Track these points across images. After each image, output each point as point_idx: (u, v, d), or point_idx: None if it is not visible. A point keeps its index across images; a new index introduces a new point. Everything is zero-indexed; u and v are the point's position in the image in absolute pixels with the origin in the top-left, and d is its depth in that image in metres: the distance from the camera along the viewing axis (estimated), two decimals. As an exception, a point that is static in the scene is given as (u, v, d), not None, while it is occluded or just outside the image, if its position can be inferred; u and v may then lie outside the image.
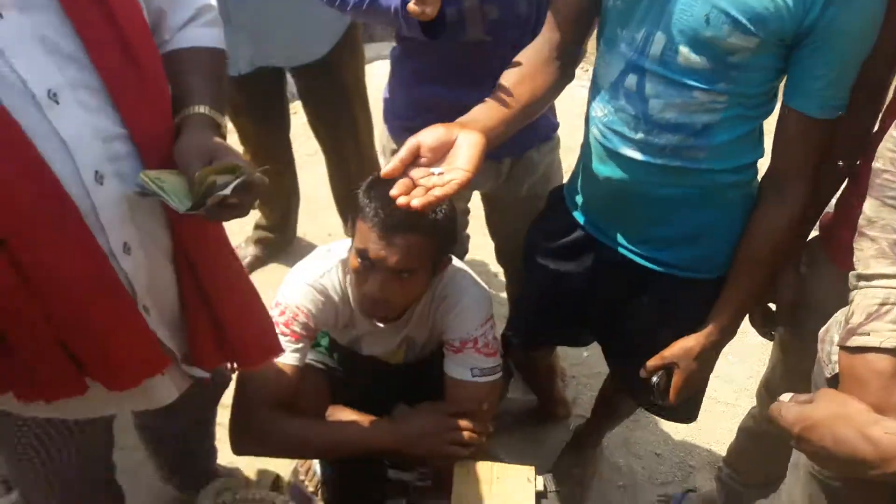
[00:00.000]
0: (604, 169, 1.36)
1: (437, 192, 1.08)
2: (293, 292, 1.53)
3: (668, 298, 1.46)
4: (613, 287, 1.51)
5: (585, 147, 1.43)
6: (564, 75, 1.37)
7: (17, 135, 0.88)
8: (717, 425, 2.31)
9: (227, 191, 0.92)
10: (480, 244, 2.32)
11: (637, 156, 1.30)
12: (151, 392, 1.15)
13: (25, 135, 0.89)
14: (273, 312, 1.52)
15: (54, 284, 0.95)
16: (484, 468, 1.61)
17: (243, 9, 1.95)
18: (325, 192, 2.69)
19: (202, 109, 1.05)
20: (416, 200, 1.06)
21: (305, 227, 2.90)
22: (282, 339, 1.49)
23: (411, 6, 1.34)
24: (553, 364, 2.10)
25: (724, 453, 1.89)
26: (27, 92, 0.89)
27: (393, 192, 1.08)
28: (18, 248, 0.91)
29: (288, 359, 1.50)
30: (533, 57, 1.34)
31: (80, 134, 0.94)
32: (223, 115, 1.08)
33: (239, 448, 1.52)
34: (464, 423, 1.54)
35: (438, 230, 1.41)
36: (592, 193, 1.45)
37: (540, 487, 1.57)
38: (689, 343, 1.40)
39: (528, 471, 1.60)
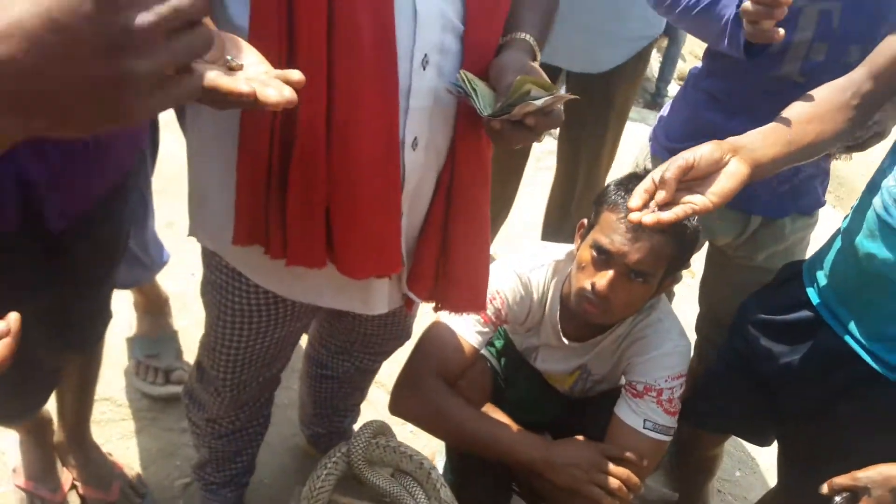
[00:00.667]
0: (870, 244, 1.28)
1: (669, 214, 1.09)
2: (499, 276, 1.56)
3: (882, 408, 1.35)
4: (825, 382, 1.41)
5: (854, 217, 1.35)
6: (854, 127, 1.27)
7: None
8: None
9: (540, 102, 0.92)
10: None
11: None
12: (370, 295, 1.20)
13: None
14: None
15: (349, 148, 0.98)
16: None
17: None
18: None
19: (528, 38, 1.07)
20: (648, 217, 1.08)
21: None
22: (472, 317, 1.54)
23: (747, 5, 1.28)
24: (717, 457, 1.98)
25: None
26: None
27: (632, 203, 1.10)
28: (339, 101, 0.94)
29: (470, 337, 1.54)
30: (832, 98, 1.26)
31: (429, 13, 0.97)
32: (541, 50, 1.11)
33: (397, 406, 1.56)
34: (618, 469, 1.46)
35: (682, 242, 1.41)
36: (842, 271, 1.38)
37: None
38: (891, 471, 1.27)
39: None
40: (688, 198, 1.12)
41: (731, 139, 1.17)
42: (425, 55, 0.99)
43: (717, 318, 1.87)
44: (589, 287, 1.42)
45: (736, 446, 2.44)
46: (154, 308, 2.15)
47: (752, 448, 2.45)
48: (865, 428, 1.37)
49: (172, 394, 2.04)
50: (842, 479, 1.31)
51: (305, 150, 0.97)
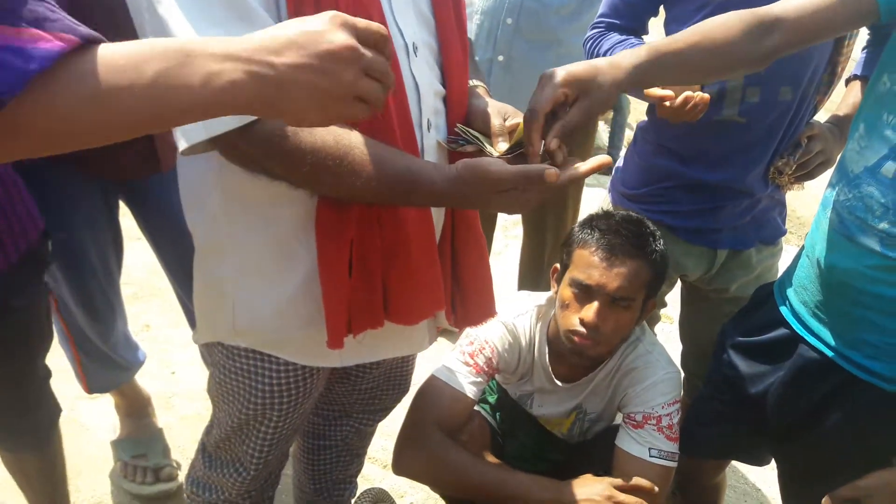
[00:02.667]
0: (831, 257, 1.32)
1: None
2: (485, 327, 1.59)
3: (869, 414, 1.36)
4: (809, 394, 1.43)
5: (814, 233, 1.39)
6: (752, 42, 1.15)
7: (398, 77, 1.05)
8: None
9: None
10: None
11: (874, 246, 1.24)
12: (414, 336, 1.28)
13: (402, 77, 1.07)
14: (462, 342, 1.60)
15: (392, 216, 1.09)
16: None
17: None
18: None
19: (480, 84, 1.25)
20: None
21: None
22: (464, 367, 1.57)
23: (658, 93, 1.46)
24: (720, 486, 1.96)
25: None
26: (402, 43, 1.08)
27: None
28: None
29: (465, 389, 1.56)
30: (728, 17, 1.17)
31: (425, 84, 1.11)
32: None
33: (401, 463, 1.55)
34: (632, 499, 1.46)
35: (657, 262, 1.48)
36: (810, 286, 1.40)
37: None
38: (890, 477, 1.29)
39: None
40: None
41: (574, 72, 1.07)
42: (428, 119, 1.13)
43: (700, 353, 1.90)
44: (577, 322, 1.46)
45: (739, 479, 2.43)
46: (136, 409, 2.12)
47: (755, 480, 2.44)
48: (855, 434, 1.37)
49: (164, 491, 1.99)
50: (845, 491, 1.32)
51: (364, 228, 1.08)
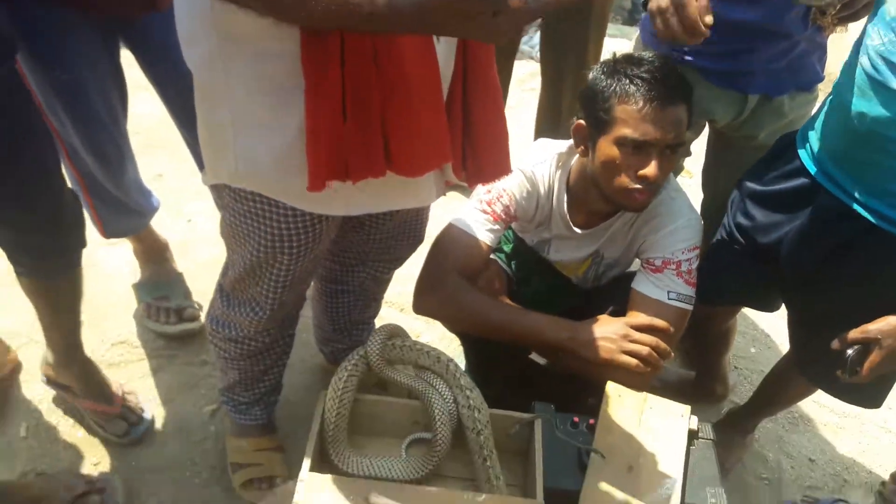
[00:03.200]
0: (861, 103, 1.28)
1: None
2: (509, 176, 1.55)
3: (886, 263, 1.36)
4: (825, 243, 1.42)
5: (843, 78, 1.35)
6: None
7: None
8: (883, 452, 2.13)
9: None
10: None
11: None
12: (420, 189, 1.25)
13: None
14: (479, 190, 1.58)
15: (388, 51, 1.02)
16: (636, 397, 1.58)
17: None
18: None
19: None
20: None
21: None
22: (482, 216, 1.56)
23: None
24: (730, 331, 2.00)
25: (886, 478, 1.74)
26: None
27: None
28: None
29: (482, 236, 1.56)
30: None
31: None
32: None
33: (420, 305, 1.58)
34: (647, 337, 1.48)
35: (688, 99, 1.43)
36: (835, 133, 1.37)
37: (693, 427, 1.52)
38: None
39: (683, 408, 1.55)
40: None
41: None
42: None
43: (722, 203, 1.87)
44: (634, 180, 1.42)
45: (749, 325, 2.47)
46: (154, 254, 2.15)
47: (766, 326, 2.48)
48: (870, 282, 1.38)
49: (188, 330, 2.06)
50: (854, 334, 1.33)
51: (357, 65, 1.01)
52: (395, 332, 1.47)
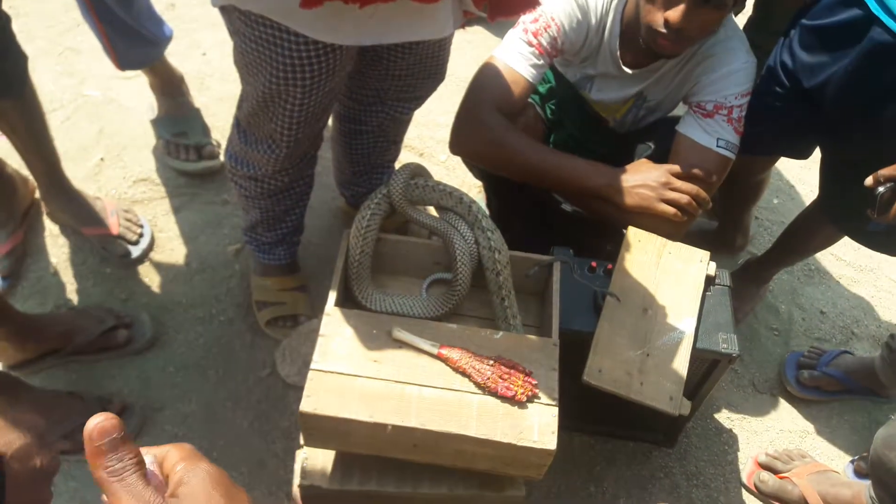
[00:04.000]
0: None
1: None
2: (556, 1, 1.46)
3: None
4: (874, 82, 1.35)
5: None
6: None
7: None
8: (894, 306, 2.16)
9: None
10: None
11: None
12: (436, 18, 1.19)
13: None
14: (525, 18, 1.49)
15: None
16: (656, 242, 1.59)
17: None
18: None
19: None
20: None
21: None
22: (527, 48, 1.48)
23: None
24: (763, 183, 1.96)
25: (895, 332, 1.77)
26: None
27: None
28: None
29: (524, 71, 1.48)
30: None
31: None
32: None
33: (459, 142, 1.53)
34: (687, 186, 1.45)
35: None
36: None
37: (711, 272, 1.54)
38: None
39: (703, 254, 1.56)
40: None
41: None
42: None
43: (768, 24, 1.79)
44: (661, 21, 1.33)
45: (774, 175, 2.44)
46: (170, 87, 2.11)
47: (791, 177, 2.45)
48: None
49: (208, 167, 2.06)
50: (887, 170, 1.29)
51: None
52: (417, 172, 1.45)
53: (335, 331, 1.22)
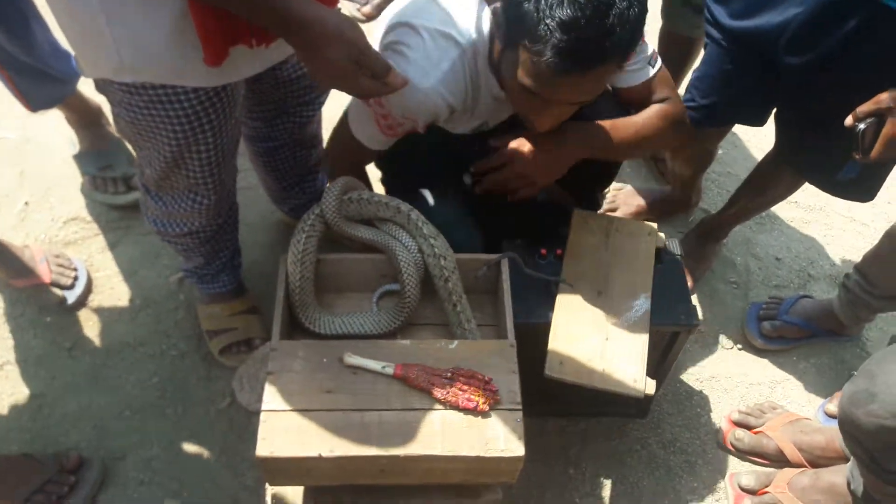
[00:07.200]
0: None
1: None
2: (407, 99, 1.24)
3: None
4: (837, 29, 1.31)
5: None
6: None
7: None
8: (846, 243, 2.18)
9: None
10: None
11: None
12: None
13: None
14: (374, 106, 1.31)
15: None
16: (601, 220, 1.57)
17: None
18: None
19: None
20: None
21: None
22: (381, 135, 1.37)
23: None
24: (714, 150, 1.95)
25: (849, 270, 1.77)
26: None
27: None
28: None
29: (382, 147, 1.43)
30: None
31: None
32: None
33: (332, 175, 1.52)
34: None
35: (628, 46, 1.11)
36: None
37: (661, 244, 1.52)
38: None
39: (650, 227, 1.55)
40: None
41: None
42: None
43: None
44: (536, 125, 1.27)
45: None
46: (88, 120, 2.02)
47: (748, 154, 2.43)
48: (881, 65, 1.29)
49: (137, 199, 1.98)
50: (865, 106, 1.25)
51: None
52: (350, 186, 1.40)
53: (283, 365, 1.18)
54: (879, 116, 1.23)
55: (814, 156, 1.58)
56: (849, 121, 1.26)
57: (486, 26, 1.26)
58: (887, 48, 1.30)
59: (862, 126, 1.24)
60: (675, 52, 1.98)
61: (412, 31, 1.26)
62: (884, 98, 1.22)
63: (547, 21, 1.04)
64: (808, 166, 1.64)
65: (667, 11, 1.97)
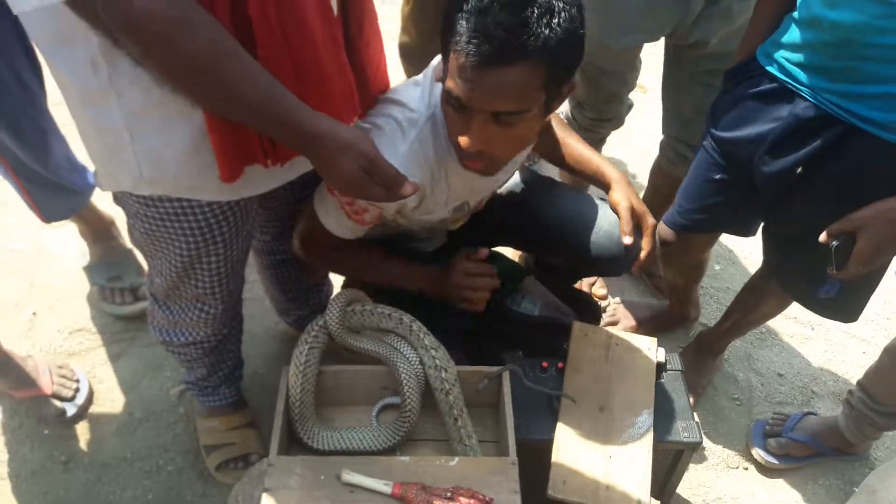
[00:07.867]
0: (832, 13, 1.22)
1: None
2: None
3: (866, 165, 1.31)
4: (804, 148, 1.36)
5: None
6: None
7: None
8: (848, 359, 2.17)
9: None
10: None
11: None
12: None
13: None
14: (339, 196, 1.30)
15: (300, 32, 1.02)
16: (600, 333, 1.58)
17: None
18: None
19: None
20: None
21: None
22: (348, 221, 1.34)
23: None
24: (707, 259, 1.96)
25: (852, 387, 1.77)
26: None
27: None
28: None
29: (351, 235, 1.39)
30: None
31: None
32: None
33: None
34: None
35: (554, 54, 1.07)
36: (808, 46, 1.30)
37: (661, 359, 1.52)
38: (887, 204, 1.26)
39: (650, 341, 1.56)
40: None
41: None
42: None
43: (681, 115, 1.84)
44: (458, 144, 1.18)
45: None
46: (101, 233, 2.07)
47: (729, 242, 2.49)
48: (854, 187, 1.33)
49: (144, 309, 2.00)
50: (838, 224, 1.30)
51: (269, 47, 1.00)
52: (354, 298, 1.43)
53: (280, 482, 1.17)
54: (852, 233, 1.28)
55: (796, 272, 1.59)
56: (823, 237, 1.31)
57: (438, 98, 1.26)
58: (858, 167, 1.33)
59: (835, 243, 1.28)
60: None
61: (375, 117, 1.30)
62: (855, 216, 1.28)
63: (465, 11, 1.06)
64: (791, 283, 1.65)
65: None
